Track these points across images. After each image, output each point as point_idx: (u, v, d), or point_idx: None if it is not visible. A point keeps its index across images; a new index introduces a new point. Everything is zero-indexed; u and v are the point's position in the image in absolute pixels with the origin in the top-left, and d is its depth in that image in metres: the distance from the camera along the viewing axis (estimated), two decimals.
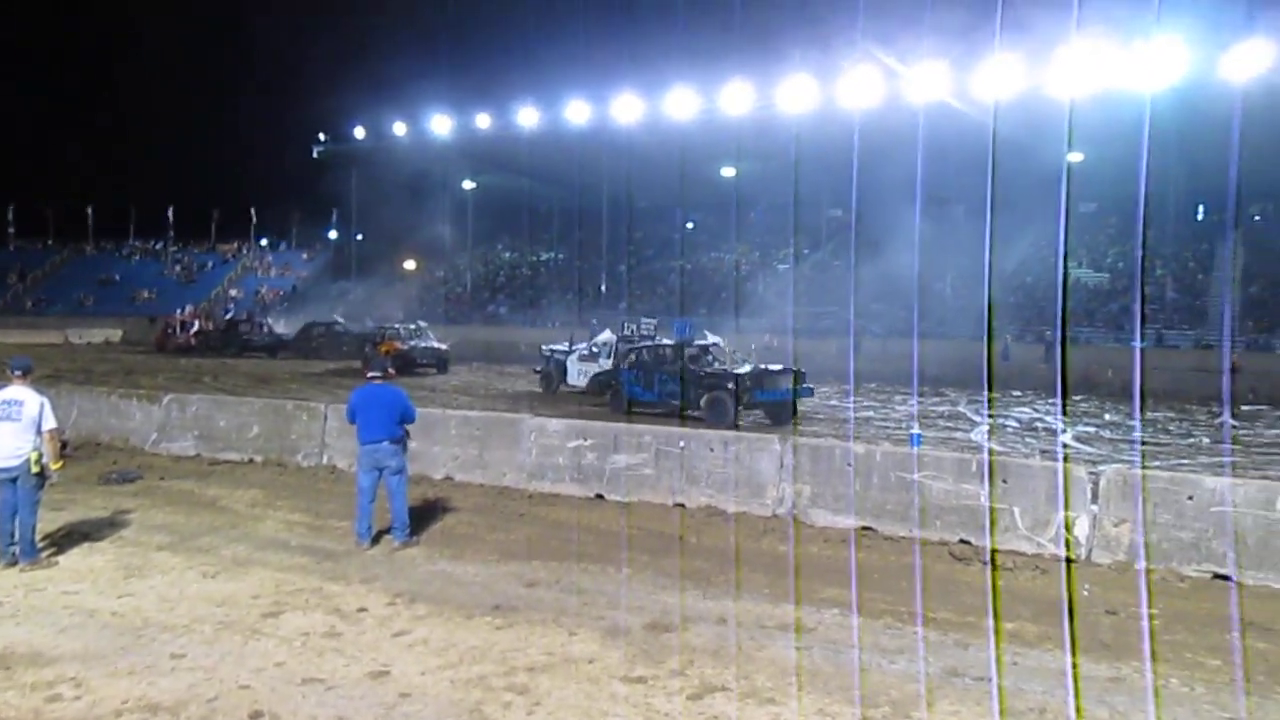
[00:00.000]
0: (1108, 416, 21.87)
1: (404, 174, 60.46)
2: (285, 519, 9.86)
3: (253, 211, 73.30)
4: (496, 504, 10.56)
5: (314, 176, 63.93)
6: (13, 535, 7.92)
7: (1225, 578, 7.85)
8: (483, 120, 54.16)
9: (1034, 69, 39.09)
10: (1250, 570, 7.79)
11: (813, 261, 56.16)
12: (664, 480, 10.46)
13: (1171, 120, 37.43)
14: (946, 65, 41.01)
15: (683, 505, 10.24)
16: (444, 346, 31.26)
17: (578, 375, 23.21)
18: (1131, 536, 8.23)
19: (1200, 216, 51.49)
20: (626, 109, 49.22)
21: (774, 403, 18.16)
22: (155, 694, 5.43)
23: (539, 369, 25.28)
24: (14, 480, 7.89)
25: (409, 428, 8.99)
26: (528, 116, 52.29)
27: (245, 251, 74.53)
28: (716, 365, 18.99)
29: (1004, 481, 8.77)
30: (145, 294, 66.35)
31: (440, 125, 55.05)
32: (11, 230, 76.35)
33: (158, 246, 75.59)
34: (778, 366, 18.90)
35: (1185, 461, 15.36)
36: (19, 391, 8.02)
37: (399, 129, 56.78)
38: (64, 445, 8.56)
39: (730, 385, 17.64)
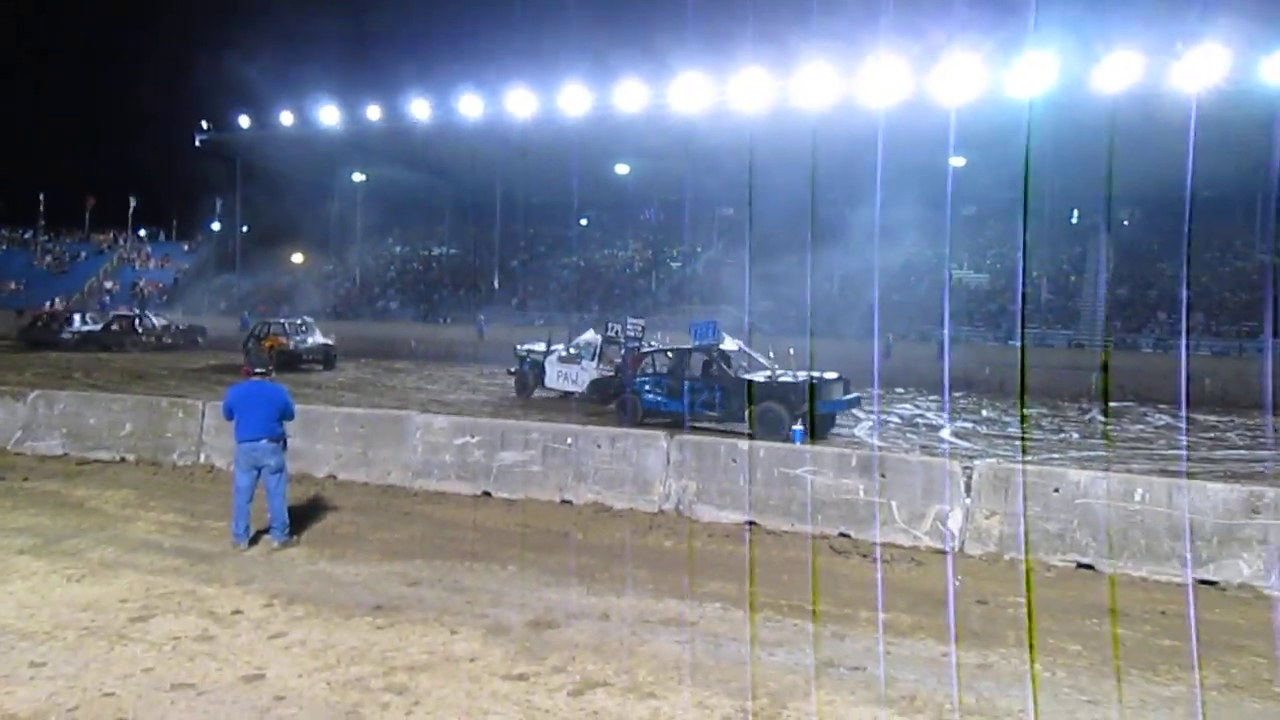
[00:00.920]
0: (985, 413, 22.63)
1: (291, 165, 59.07)
2: (158, 520, 9.51)
3: (131, 200, 70.50)
4: (381, 502, 10.40)
5: (196, 165, 61.93)
6: None
7: (1088, 567, 8.21)
8: (373, 112, 53.15)
9: (918, 75, 40.17)
10: (1111, 559, 8.15)
11: (705, 260, 56.73)
12: (552, 477, 10.44)
13: (1048, 127, 38.97)
14: (835, 69, 41.88)
15: (570, 502, 10.24)
16: (331, 342, 30.59)
17: (558, 378, 21.66)
18: (1002, 528, 8.54)
19: (1074, 220, 53.67)
20: (520, 104, 48.92)
21: (829, 414, 16.84)
22: (11, 704, 5.20)
23: (513, 370, 23.75)
24: None
25: (289, 425, 8.79)
26: (420, 109, 51.53)
27: (122, 242, 71.59)
28: (760, 372, 17.05)
29: (882, 476, 9.01)
30: (13, 285, 63.26)
31: (329, 116, 53.82)
32: None
33: (27, 235, 72.05)
34: (833, 374, 16.91)
35: (1056, 456, 15.99)
36: None
37: (286, 119, 55.31)
38: None
39: (789, 396, 15.94)
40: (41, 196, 69.62)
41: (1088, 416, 22.63)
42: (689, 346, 17.93)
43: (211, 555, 8.24)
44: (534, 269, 59.16)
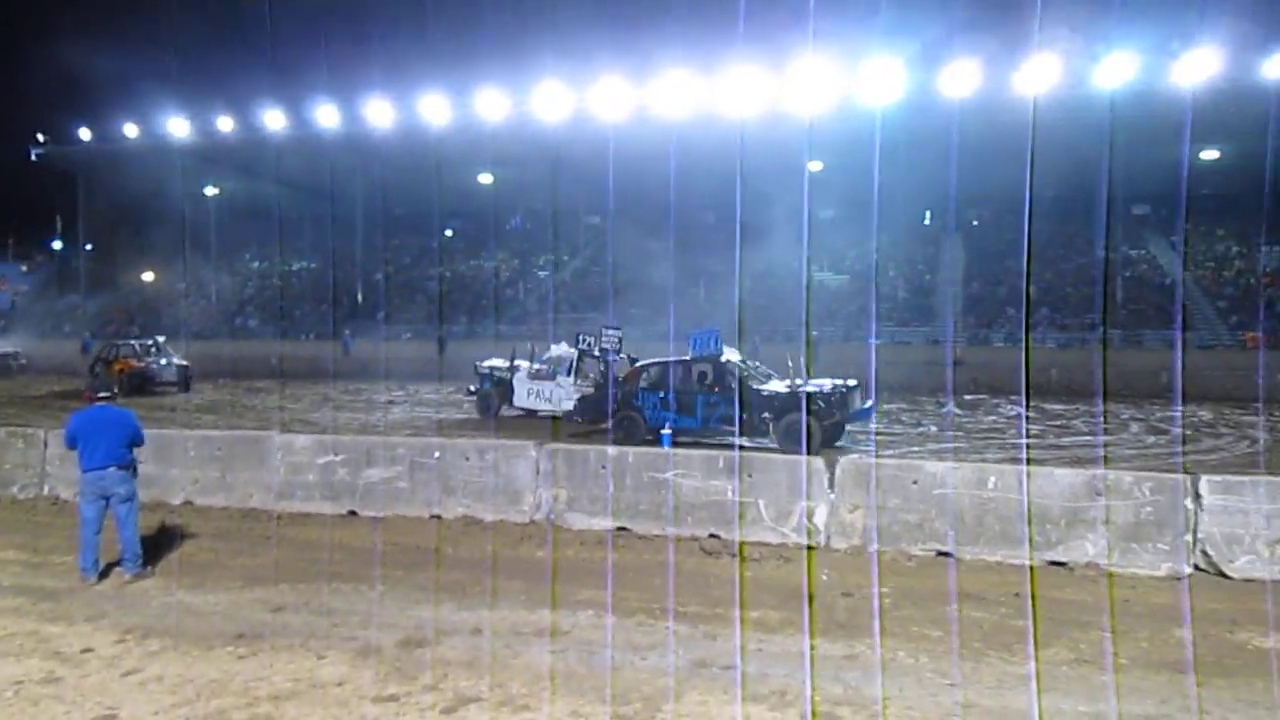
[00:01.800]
0: None
1: (138, 179, 56.50)
2: None
3: None
4: (241, 527, 10.06)
5: (33, 181, 58.72)
6: None
7: (947, 554, 8.52)
8: (225, 123, 51.47)
9: (775, 83, 41.14)
10: (968, 546, 8.48)
11: (572, 268, 56.80)
12: (419, 493, 10.28)
13: (900, 133, 40.43)
14: (694, 77, 42.53)
15: (439, 517, 10.10)
16: (185, 363, 29.40)
17: (529, 396, 19.93)
18: (865, 521, 8.79)
19: (927, 222, 55.77)
20: (378, 114, 48.10)
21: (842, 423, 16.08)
22: None
23: (474, 389, 21.75)
24: None
25: (140, 451, 8.41)
26: (274, 119, 50.13)
27: None
28: (778, 382, 16.10)
29: (749, 476, 9.16)
30: None
31: (177, 128, 51.86)
32: None
33: None
34: (852, 382, 16.24)
35: (916, 449, 16.55)
36: None
37: (130, 131, 53.06)
38: None
39: (817, 407, 15.01)
40: None
41: (944, 410, 23.50)
42: (690, 358, 16.52)
43: (57, 592, 7.82)
44: (399, 282, 58.18)
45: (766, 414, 15.19)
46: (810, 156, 43.85)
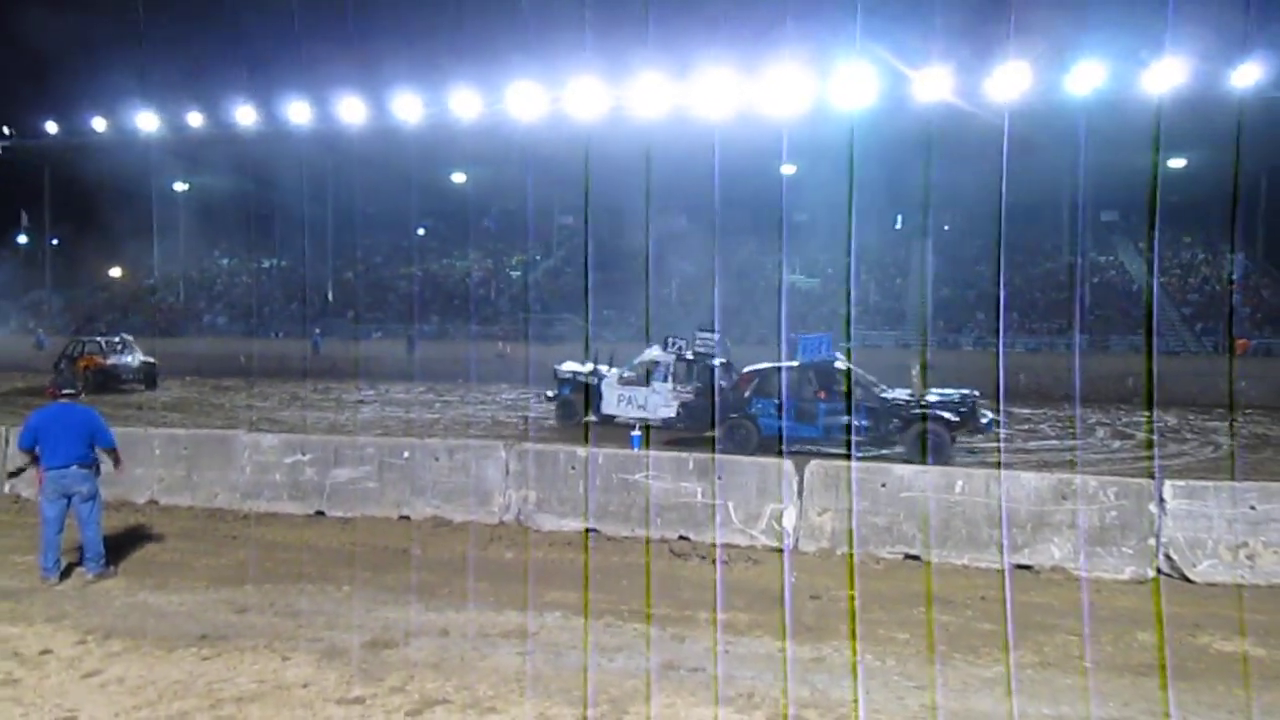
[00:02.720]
0: None
1: (106, 174, 55.82)
2: None
3: None
4: (207, 527, 9.95)
5: None
6: None
7: (915, 557, 8.57)
8: (194, 118, 50.99)
9: (749, 86, 41.24)
10: (935, 549, 8.53)
11: (544, 268, 56.71)
12: (389, 493, 10.22)
13: (873, 137, 40.62)
14: (669, 79, 42.57)
15: (408, 517, 10.04)
16: (152, 360, 29.06)
17: (620, 403, 18.36)
18: (834, 524, 8.82)
19: (899, 226, 56.11)
20: (351, 111, 47.81)
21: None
22: None
23: (553, 395, 20.25)
24: None
25: (115, 450, 8.28)
26: (245, 115, 49.72)
27: None
28: (898, 391, 15.61)
29: (719, 478, 9.17)
30: None
31: (146, 122, 51.33)
32: None
33: None
34: (977, 391, 15.68)
35: (886, 452, 16.59)
36: None
37: (98, 124, 52.47)
38: None
39: (949, 416, 14.57)
40: None
41: None
42: (802, 364, 15.66)
43: (17, 592, 7.70)
44: (370, 280, 57.87)
45: (895, 422, 14.74)
46: (784, 159, 44.05)
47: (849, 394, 14.99)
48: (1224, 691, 5.82)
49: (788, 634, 6.68)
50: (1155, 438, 18.84)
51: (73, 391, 8.43)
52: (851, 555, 8.62)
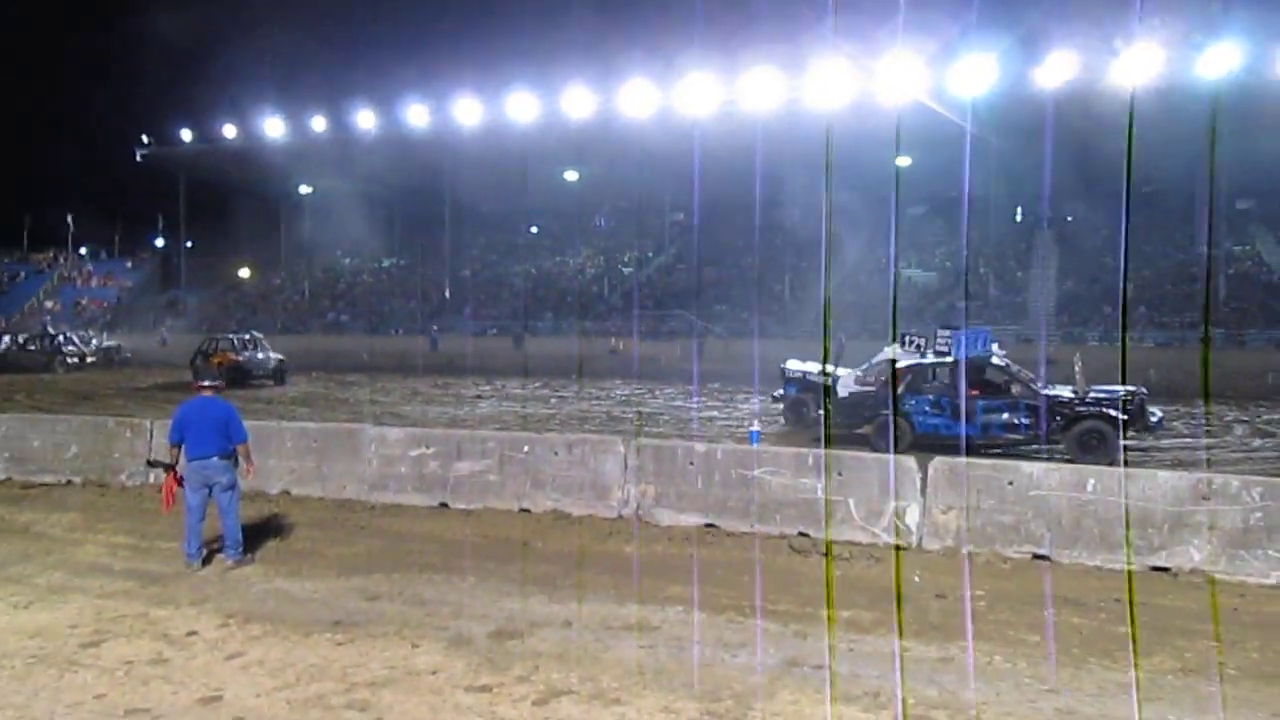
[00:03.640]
0: None
1: (236, 179, 58.37)
2: (108, 542, 9.32)
3: (70, 218, 69.19)
4: (336, 517, 10.27)
5: (138, 181, 60.95)
6: None
7: (1044, 557, 8.32)
8: (319, 123, 52.73)
9: (862, 76, 40.63)
10: (1065, 549, 8.27)
11: (656, 265, 56.87)
12: (509, 486, 10.38)
13: (991, 126, 39.60)
14: (780, 72, 42.23)
15: (528, 510, 10.19)
16: (281, 357, 30.19)
17: None
18: (958, 522, 8.62)
19: (1019, 218, 54.54)
20: (467, 112, 48.75)
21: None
22: None
23: (779, 395, 18.94)
24: None
25: (247, 445, 8.61)
26: (366, 120, 51.18)
27: (62, 261, 70.27)
28: (1060, 388, 14.91)
29: (839, 474, 9.06)
30: None
31: (274, 128, 53.29)
32: None
33: None
34: (1143, 389, 15.09)
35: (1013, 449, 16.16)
36: None
37: (229, 132, 54.69)
38: None
39: (1116, 414, 13.94)
40: None
41: None
42: (958, 359, 14.88)
43: (164, 576, 8.08)
44: (485, 278, 58.94)
45: (1057, 420, 14.18)
46: (899, 151, 43.27)
47: (1007, 391, 14.61)
48: None
49: (912, 633, 6.56)
50: None
51: (212, 384, 8.80)
52: (977, 554, 8.42)
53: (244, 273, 65.47)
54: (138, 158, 57.98)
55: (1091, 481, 8.38)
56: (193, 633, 6.64)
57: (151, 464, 10.50)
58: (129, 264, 70.75)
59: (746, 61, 42.62)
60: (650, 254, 58.04)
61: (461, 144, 50.78)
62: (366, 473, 11.00)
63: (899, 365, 15.60)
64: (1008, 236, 51.76)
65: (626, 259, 58.29)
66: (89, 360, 36.15)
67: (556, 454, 10.29)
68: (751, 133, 40.79)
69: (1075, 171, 43.15)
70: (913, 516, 8.77)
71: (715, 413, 21.97)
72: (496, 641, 6.40)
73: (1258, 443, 17.22)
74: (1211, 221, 44.47)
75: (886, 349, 17.27)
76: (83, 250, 72.07)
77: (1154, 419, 14.58)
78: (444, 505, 10.54)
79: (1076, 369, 15.02)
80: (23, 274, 68.48)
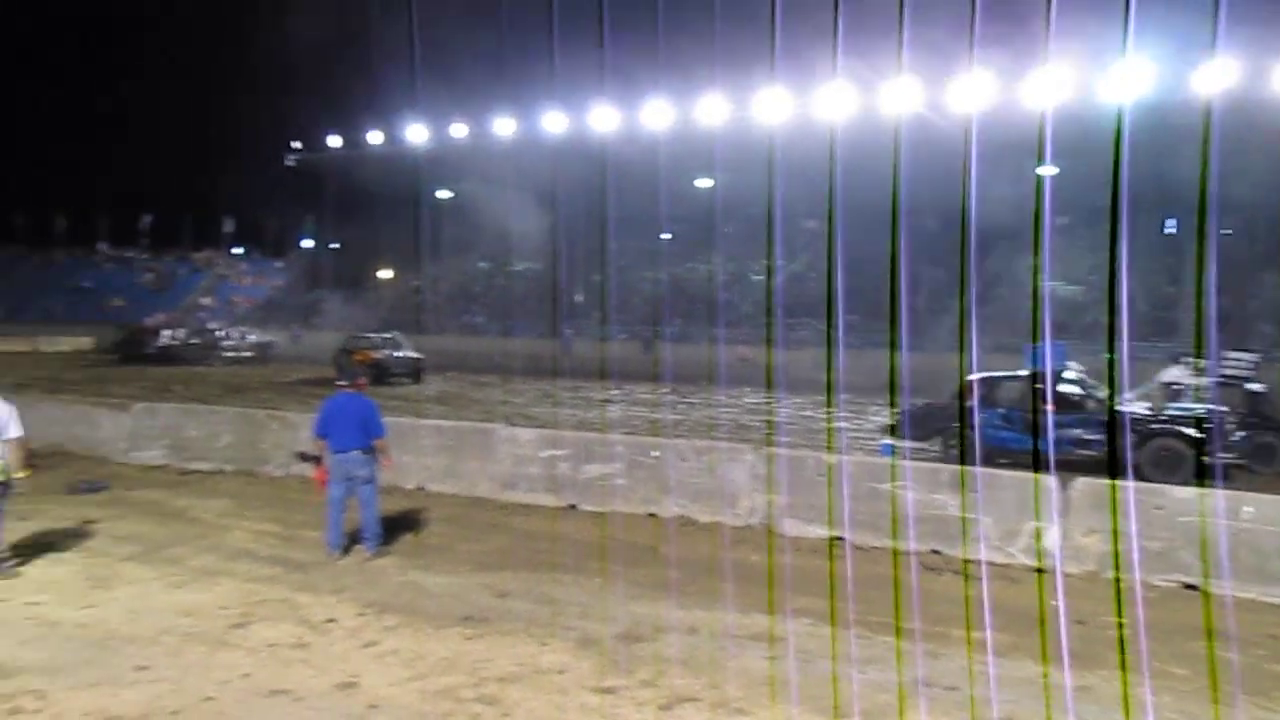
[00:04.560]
0: None
1: (379, 183, 60.33)
2: (255, 529, 9.77)
3: (226, 219, 72.87)
4: (469, 514, 10.52)
5: (288, 184, 63.71)
6: None
7: (1193, 587, 7.91)
8: (459, 130, 54.11)
9: (1008, 82, 39.50)
10: (1217, 579, 7.84)
11: (788, 273, 56.37)
12: (637, 490, 10.44)
13: (1143, 134, 37.90)
14: (921, 77, 41.37)
15: (655, 515, 10.22)
16: (419, 355, 31.07)
17: None
18: (1101, 546, 8.28)
19: (1170, 230, 52.07)
20: (603, 120, 49.33)
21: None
22: (117, 706, 5.36)
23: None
24: None
25: (385, 441, 8.88)
26: (504, 126, 52.30)
27: (218, 260, 74.06)
28: (1135, 404, 14.54)
29: (974, 491, 8.81)
30: (116, 302, 65.70)
31: (416, 134, 54.94)
32: None
33: (129, 254, 74.97)
34: (1223, 408, 14.37)
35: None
36: None
37: (374, 138, 56.62)
38: (30, 454, 8.44)
39: (1191, 432, 13.42)
40: (143, 217, 72.87)
41: None
42: (1031, 373, 14.70)
43: (306, 564, 8.41)
44: (616, 283, 59.43)
45: (1131, 437, 13.56)
46: (1044, 159, 41.85)
47: (1081, 406, 14.13)
48: None
49: (1050, 658, 6.32)
50: None
51: (352, 382, 9.11)
52: (1120, 580, 8.06)
53: (384, 274, 67.69)
54: (288, 162, 60.60)
55: (1248, 508, 7.94)
56: (332, 620, 6.89)
57: (299, 455, 10.95)
58: (279, 264, 74.17)
59: (885, 67, 41.91)
60: (782, 262, 57.57)
61: (596, 151, 51.34)
62: (498, 472, 11.23)
63: (969, 378, 15.32)
64: (1158, 250, 49.48)
65: (757, 267, 57.93)
66: (245, 355, 38.06)
67: (685, 460, 10.30)
68: (888, 139, 40.06)
69: (1233, 184, 40.98)
70: (1052, 538, 8.45)
71: (845, 424, 21.64)
72: (623, 644, 6.45)
73: None
74: None
75: (1165, 370, 16.14)
76: (237, 250, 75.81)
77: (1238, 438, 13.80)
78: (573, 506, 10.67)
79: (1159, 385, 14.45)
80: (183, 271, 72.43)
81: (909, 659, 6.31)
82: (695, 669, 6.01)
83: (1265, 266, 46.19)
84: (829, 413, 23.55)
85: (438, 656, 6.18)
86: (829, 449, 15.68)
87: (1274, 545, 7.74)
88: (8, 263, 74.71)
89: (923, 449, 15.42)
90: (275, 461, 12.55)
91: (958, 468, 9.39)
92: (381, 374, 28.77)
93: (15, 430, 7.92)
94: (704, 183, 55.03)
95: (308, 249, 72.52)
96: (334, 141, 57.92)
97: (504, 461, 11.25)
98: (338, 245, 66.22)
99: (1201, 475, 12.55)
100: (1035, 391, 14.13)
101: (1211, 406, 14.13)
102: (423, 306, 60.99)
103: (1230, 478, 12.26)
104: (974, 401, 14.61)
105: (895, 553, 8.85)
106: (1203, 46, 36.14)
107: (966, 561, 8.50)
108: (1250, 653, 6.59)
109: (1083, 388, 14.46)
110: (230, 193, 75.99)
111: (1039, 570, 8.33)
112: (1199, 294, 43.07)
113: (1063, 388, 14.35)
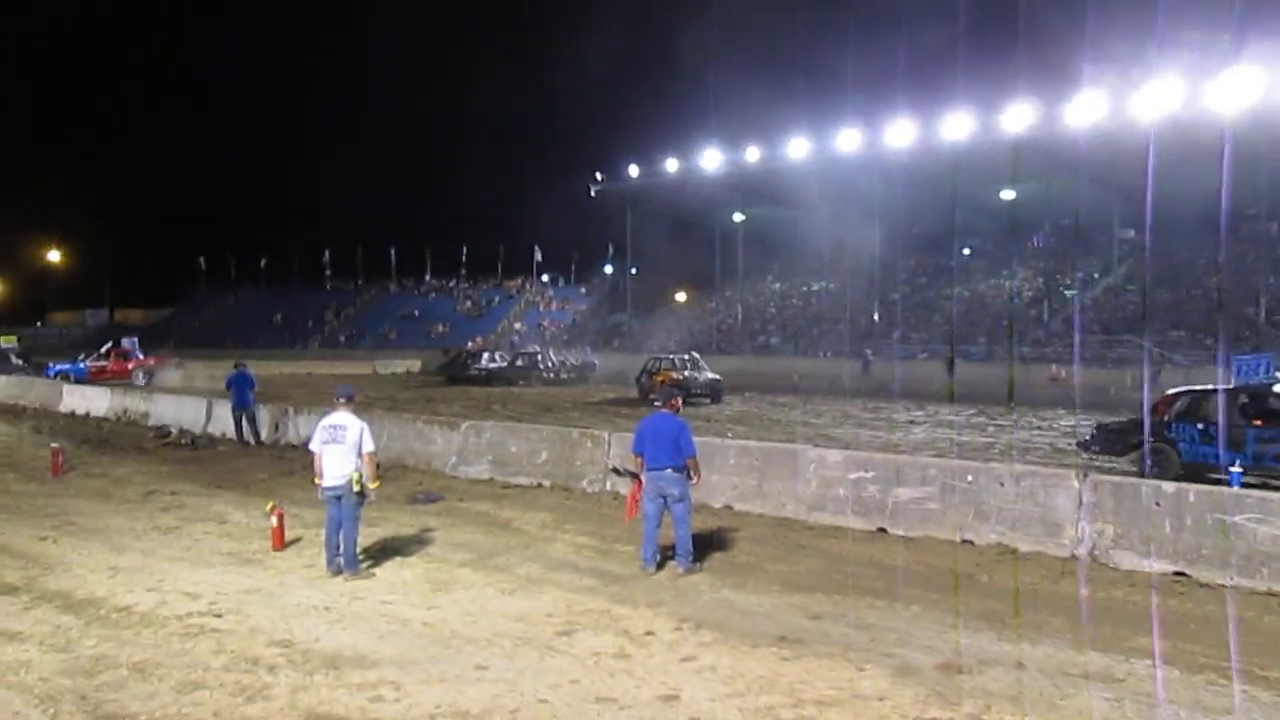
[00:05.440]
0: None
1: (675, 209, 62.25)
2: (573, 541, 10.26)
3: (535, 249, 77.80)
4: (776, 534, 10.54)
5: (592, 214, 67.05)
6: (338, 548, 8.72)
7: None
8: (752, 153, 54.73)
9: None
10: None
11: (1104, 286, 52.71)
12: (950, 515, 10.07)
13: None
14: (1255, 69, 37.46)
15: (970, 542, 9.82)
16: (717, 376, 31.61)
17: None
18: None
19: None
20: (899, 134, 48.27)
21: None
22: (464, 702, 5.78)
23: None
24: (339, 498, 8.70)
25: (695, 459, 9.07)
26: (797, 147, 52.34)
27: (528, 287, 79.14)
28: None
29: None
30: (440, 327, 71.63)
31: (710, 160, 56.09)
32: (328, 273, 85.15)
33: (450, 284, 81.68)
34: None
35: None
36: (343, 417, 8.84)
37: (670, 165, 58.36)
38: (379, 467, 9.32)
39: None
40: (463, 249, 79.33)
41: None
42: (1235, 387, 14.18)
43: (622, 577, 8.74)
44: (914, 301, 57.90)
45: None
46: None
47: None
48: None
49: None
50: None
51: (666, 403, 9.38)
52: None
53: (681, 297, 69.56)
54: (592, 193, 63.66)
55: None
56: (650, 633, 7.11)
57: (616, 471, 11.42)
58: (583, 289, 78.24)
59: (1215, 61, 38.32)
60: (1096, 275, 53.89)
61: (892, 166, 50.38)
62: (805, 493, 11.19)
63: (1169, 392, 14.86)
64: None
65: (1069, 280, 54.56)
66: (563, 376, 40.47)
67: (1003, 485, 9.84)
68: (1210, 141, 36.58)
69: None
70: None
71: None
72: (944, 675, 6.23)
73: None
74: None
75: None
76: (545, 277, 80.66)
77: None
78: (882, 530, 10.45)
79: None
80: (497, 299, 77.92)
81: (1270, 712, 5.70)
82: (1026, 706, 5.71)
83: None
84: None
85: (755, 675, 6.22)
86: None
87: None
88: (350, 295, 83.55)
89: (1115, 465, 14.84)
90: (589, 477, 13.15)
91: None
92: (682, 394, 29.48)
93: (368, 445, 8.78)
94: (1007, 194, 52.51)
95: (608, 275, 75.91)
96: (633, 171, 60.17)
97: (810, 483, 11.20)
98: (636, 270, 68.76)
99: None
100: (1242, 406, 13.51)
101: None
102: (719, 328, 62.06)
103: None
104: (1170, 416, 14.15)
105: (1249, 592, 8.02)
106: None
107: None
108: None
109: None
110: (539, 223, 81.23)
111: None
112: None
113: (1272, 403, 13.43)
